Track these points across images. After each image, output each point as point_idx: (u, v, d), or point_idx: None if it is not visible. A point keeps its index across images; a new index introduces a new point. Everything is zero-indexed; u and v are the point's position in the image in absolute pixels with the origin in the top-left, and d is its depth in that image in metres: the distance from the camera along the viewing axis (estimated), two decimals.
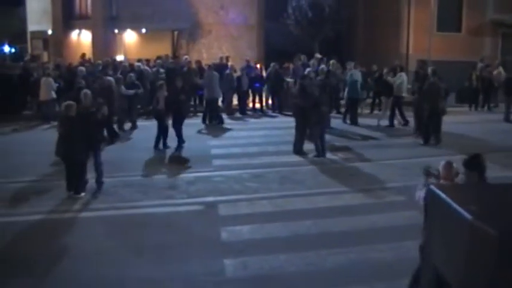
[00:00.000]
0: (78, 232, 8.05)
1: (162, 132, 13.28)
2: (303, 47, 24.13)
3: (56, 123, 12.21)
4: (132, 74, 16.87)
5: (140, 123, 16.65)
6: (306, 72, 15.41)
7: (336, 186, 10.37)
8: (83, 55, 22.26)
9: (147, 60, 20.29)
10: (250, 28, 27.47)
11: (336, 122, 16.63)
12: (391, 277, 6.30)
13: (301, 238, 7.67)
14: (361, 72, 18.01)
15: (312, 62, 19.87)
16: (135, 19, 25.45)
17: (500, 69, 20.87)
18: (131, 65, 19.39)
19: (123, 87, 15.73)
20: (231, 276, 6.54)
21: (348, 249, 7.19)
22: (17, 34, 34.47)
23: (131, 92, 16.00)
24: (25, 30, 30.63)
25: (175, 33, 27.29)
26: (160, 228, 8.13)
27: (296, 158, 12.54)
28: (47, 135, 13.12)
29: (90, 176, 9.87)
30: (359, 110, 17.89)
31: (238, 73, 19.50)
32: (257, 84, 19.89)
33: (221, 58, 21.33)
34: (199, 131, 16.24)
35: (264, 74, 20.94)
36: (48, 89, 17.38)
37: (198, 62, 20.40)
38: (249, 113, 19.57)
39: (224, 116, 18.12)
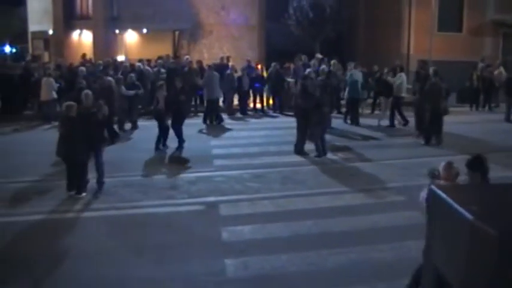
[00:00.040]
0: (79, 232, 8.05)
1: (162, 133, 13.29)
2: (304, 47, 24.14)
3: (56, 123, 12.23)
4: (132, 75, 16.87)
5: (141, 123, 16.66)
6: (306, 73, 15.41)
7: (336, 186, 10.36)
8: (84, 55, 22.29)
9: (148, 61, 20.31)
10: (251, 28, 27.48)
11: (336, 122, 16.62)
12: (391, 277, 6.30)
13: (302, 238, 7.66)
14: (361, 73, 18.02)
15: (312, 62, 19.89)
16: (136, 19, 25.48)
17: (501, 69, 20.86)
18: (132, 65, 19.40)
19: (123, 88, 15.72)
20: (232, 276, 6.54)
21: (349, 249, 7.19)
22: (18, 34, 34.56)
23: (131, 92, 15.99)
24: (26, 30, 30.67)
25: (177, 33, 27.31)
26: (161, 228, 8.13)
27: (297, 158, 12.54)
28: (48, 136, 13.13)
29: (91, 176, 9.88)
30: (360, 110, 17.89)
31: (239, 73, 19.51)
32: (257, 85, 19.89)
33: (222, 58, 21.33)
34: (200, 131, 16.25)
35: (265, 74, 20.95)
36: (49, 89, 17.39)
37: (199, 62, 20.42)
38: (249, 113, 19.57)
39: (225, 116, 18.13)
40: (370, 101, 19.75)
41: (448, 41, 24.60)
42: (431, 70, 15.39)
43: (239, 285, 6.42)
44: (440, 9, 24.45)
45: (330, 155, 12.68)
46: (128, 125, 16.20)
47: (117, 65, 19.72)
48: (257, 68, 21.08)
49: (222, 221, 8.40)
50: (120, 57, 24.28)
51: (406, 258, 6.47)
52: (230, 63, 20.40)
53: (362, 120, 17.28)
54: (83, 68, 18.13)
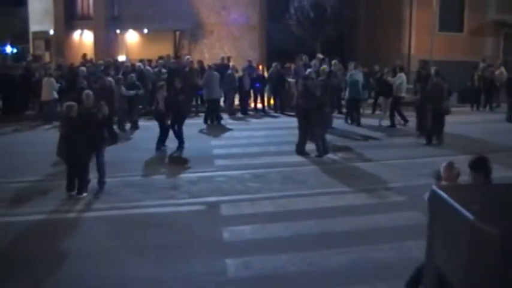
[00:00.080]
0: (80, 232, 8.04)
1: (163, 133, 13.28)
2: (304, 47, 24.17)
3: (57, 123, 12.24)
4: (133, 75, 16.87)
5: (142, 123, 16.66)
6: (307, 73, 15.40)
7: (337, 186, 10.36)
8: (84, 55, 22.30)
9: (149, 61, 20.31)
10: (252, 28, 27.48)
11: (337, 122, 16.60)
12: (392, 277, 6.28)
13: (303, 238, 7.66)
14: (362, 73, 18.00)
15: (313, 62, 19.88)
16: (137, 19, 25.50)
17: (502, 69, 20.87)
18: (133, 65, 19.40)
19: (123, 88, 15.72)
20: (232, 276, 6.54)
21: (350, 249, 7.18)
22: (19, 34, 34.60)
23: (131, 92, 15.99)
24: (27, 31, 30.71)
25: (177, 33, 27.31)
26: (162, 228, 8.13)
27: (298, 158, 12.53)
28: (49, 136, 13.12)
29: (93, 176, 9.88)
30: (361, 110, 17.88)
31: (240, 73, 19.51)
32: (258, 85, 19.90)
33: (222, 58, 21.34)
34: (200, 131, 16.25)
35: (266, 74, 20.95)
36: (50, 89, 17.40)
37: (200, 62, 20.42)
38: (250, 113, 19.58)
39: (226, 116, 18.13)
40: (371, 101, 19.75)
41: (449, 41, 24.61)
42: (433, 70, 15.37)
43: (240, 285, 6.41)
44: (441, 9, 24.43)
45: (330, 155, 12.67)
46: (128, 125, 16.20)
47: (118, 65, 19.73)
48: (258, 68, 21.09)
49: (222, 221, 8.39)
50: (121, 58, 24.30)
51: (406, 258, 6.47)
52: (231, 63, 20.40)
53: (363, 120, 17.28)
54: (83, 68, 18.15)
